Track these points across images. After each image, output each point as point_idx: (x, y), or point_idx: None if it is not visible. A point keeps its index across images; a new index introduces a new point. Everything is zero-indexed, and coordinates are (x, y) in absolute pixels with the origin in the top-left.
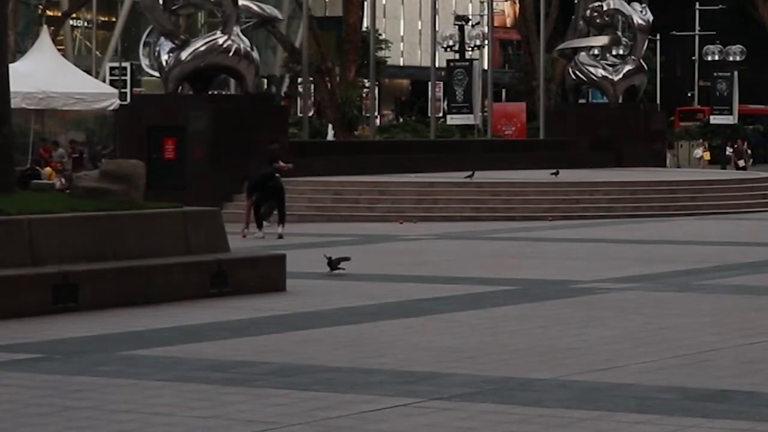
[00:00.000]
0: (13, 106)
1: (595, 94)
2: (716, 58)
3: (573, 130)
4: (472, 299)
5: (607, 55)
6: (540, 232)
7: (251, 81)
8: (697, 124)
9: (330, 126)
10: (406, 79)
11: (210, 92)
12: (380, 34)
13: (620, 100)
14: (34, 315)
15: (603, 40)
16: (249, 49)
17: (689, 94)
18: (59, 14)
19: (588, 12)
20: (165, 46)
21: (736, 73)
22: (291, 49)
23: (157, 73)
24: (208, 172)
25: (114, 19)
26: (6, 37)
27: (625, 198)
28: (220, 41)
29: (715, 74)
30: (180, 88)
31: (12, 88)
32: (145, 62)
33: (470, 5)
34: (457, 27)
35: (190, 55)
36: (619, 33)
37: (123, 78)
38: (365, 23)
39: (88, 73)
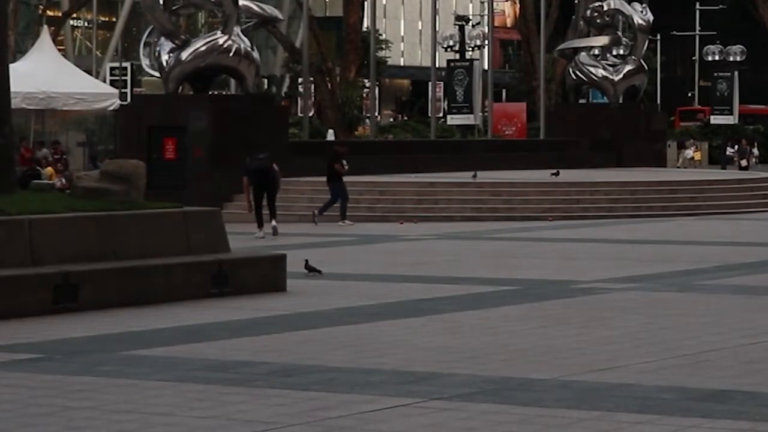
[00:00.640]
0: (13, 106)
1: (595, 94)
2: (716, 58)
3: (573, 130)
4: (473, 299)
5: (608, 55)
6: (540, 232)
7: (251, 81)
8: (698, 124)
9: (331, 131)
10: (407, 79)
11: (210, 92)
12: (380, 34)
13: (620, 101)
14: (35, 315)
15: (603, 40)
16: (249, 49)
17: (689, 94)
18: (59, 14)
19: (588, 12)
20: (165, 46)
21: (736, 73)
22: (291, 50)
23: (157, 74)
24: (209, 172)
25: (114, 19)
26: (6, 37)
27: (626, 198)
28: (221, 41)
29: (715, 74)
30: (180, 88)
31: (12, 89)
32: (145, 62)
33: (470, 5)
34: (457, 27)
35: (190, 55)
36: (620, 33)
37: (123, 78)
38: (365, 23)
39: (89, 73)
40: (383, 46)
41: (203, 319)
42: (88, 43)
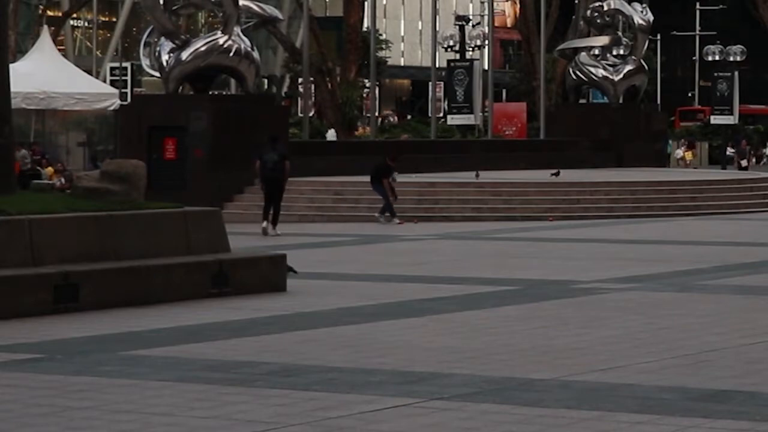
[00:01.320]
0: (13, 106)
1: (595, 94)
2: (717, 58)
3: (573, 130)
4: (473, 299)
5: (608, 55)
6: (540, 232)
7: (252, 81)
8: (698, 124)
9: (332, 131)
10: (407, 79)
11: (210, 92)
12: (381, 35)
13: (621, 101)
14: (35, 315)
15: (603, 40)
16: (249, 49)
17: (690, 94)
18: (60, 14)
19: (588, 12)
20: (165, 46)
21: (736, 73)
22: (291, 50)
23: (157, 74)
24: (209, 172)
25: (114, 20)
26: (7, 38)
27: (626, 198)
28: (221, 41)
29: (715, 74)
30: (180, 88)
31: (13, 89)
32: (145, 62)
33: (471, 5)
34: (457, 27)
35: (190, 55)
36: (620, 33)
37: (123, 78)
38: (366, 23)
39: (89, 73)
40: (383, 46)
41: (203, 319)
42: (89, 43)
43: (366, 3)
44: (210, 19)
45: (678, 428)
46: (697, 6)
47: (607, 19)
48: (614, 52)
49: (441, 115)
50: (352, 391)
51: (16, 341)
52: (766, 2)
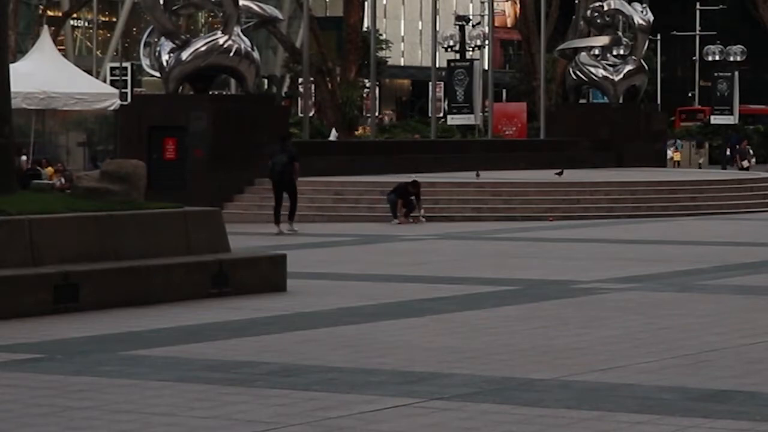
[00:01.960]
0: (13, 106)
1: (595, 94)
2: (717, 58)
3: (573, 130)
4: (473, 299)
5: (608, 55)
6: (540, 232)
7: (252, 81)
8: (698, 124)
9: (333, 130)
10: (407, 79)
11: (210, 92)
12: (381, 35)
13: (621, 101)
14: (35, 315)
15: (604, 40)
16: (249, 49)
17: (690, 94)
18: (60, 14)
19: (588, 12)
20: (165, 46)
21: (736, 73)
22: (291, 50)
23: (157, 74)
24: (209, 172)
25: (115, 20)
26: (7, 37)
27: (626, 198)
28: (221, 41)
29: (715, 74)
30: (180, 88)
31: (13, 89)
32: (145, 62)
33: (471, 5)
34: (457, 27)
35: (190, 55)
36: (620, 33)
37: (123, 78)
38: (366, 23)
39: (89, 73)
40: (383, 46)
41: (203, 319)
42: (89, 43)
43: (366, 3)
44: (210, 19)
45: (678, 428)
46: (697, 6)
47: (607, 19)
48: (614, 52)
49: (441, 115)
50: (352, 391)
51: (16, 341)
52: (766, 2)
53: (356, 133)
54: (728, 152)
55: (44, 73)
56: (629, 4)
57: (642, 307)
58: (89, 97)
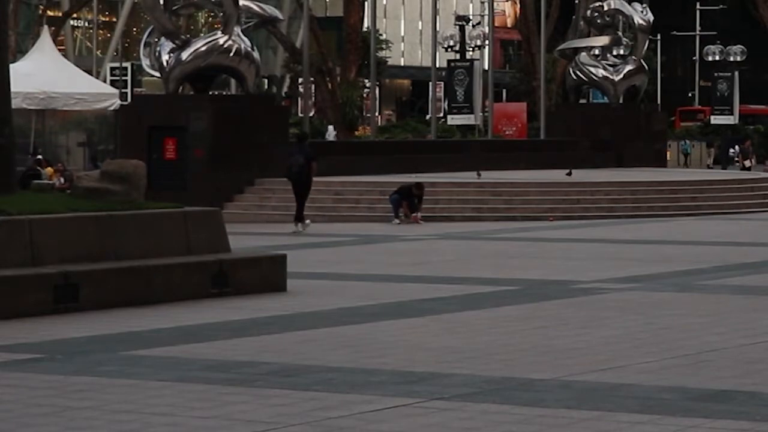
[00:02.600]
0: (13, 106)
1: (595, 94)
2: (717, 58)
3: (574, 130)
4: (473, 299)
5: (608, 55)
6: (541, 232)
7: (252, 81)
8: (698, 124)
9: (331, 127)
10: (407, 79)
11: (211, 92)
12: (381, 35)
13: (621, 101)
14: (35, 315)
15: (604, 40)
16: (250, 49)
17: (690, 95)
18: (60, 14)
19: (589, 12)
20: (166, 46)
21: (736, 73)
22: (292, 50)
23: (157, 74)
24: (209, 172)
25: (115, 20)
26: (7, 38)
27: (626, 198)
28: (221, 41)
29: (715, 74)
30: (181, 88)
31: (13, 89)
32: (145, 62)
33: (471, 5)
34: (457, 27)
35: (190, 55)
36: (620, 33)
37: (124, 78)
38: (366, 23)
39: (89, 73)
40: (383, 46)
41: (203, 319)
42: (89, 43)
43: (366, 3)
44: (210, 19)
45: (678, 428)
46: (697, 6)
47: (607, 19)
48: (614, 52)
49: (441, 115)
50: (352, 391)
51: (16, 341)
52: (766, 2)
53: (356, 133)
54: (730, 152)
55: (44, 73)
56: (629, 4)
57: (642, 307)
58: (89, 97)
